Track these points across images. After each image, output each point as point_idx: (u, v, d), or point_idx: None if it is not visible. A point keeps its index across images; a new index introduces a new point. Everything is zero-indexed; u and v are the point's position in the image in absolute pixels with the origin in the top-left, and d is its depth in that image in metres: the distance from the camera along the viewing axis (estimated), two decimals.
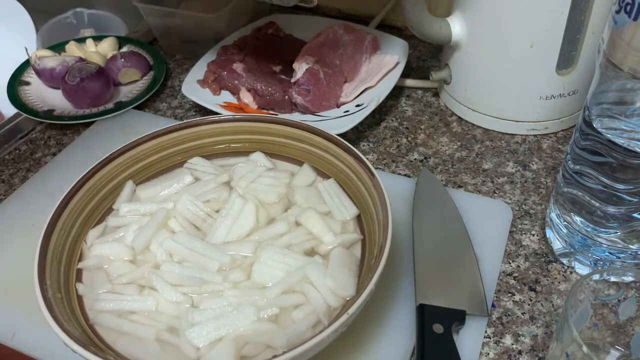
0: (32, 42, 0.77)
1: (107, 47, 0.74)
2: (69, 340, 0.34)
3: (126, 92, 0.70)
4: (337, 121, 0.60)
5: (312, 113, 0.62)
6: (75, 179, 0.46)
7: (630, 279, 0.37)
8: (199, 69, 0.68)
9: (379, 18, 0.78)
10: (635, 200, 0.41)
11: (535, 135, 0.63)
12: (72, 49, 0.73)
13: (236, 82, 0.66)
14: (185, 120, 0.52)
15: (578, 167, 0.43)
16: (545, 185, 0.57)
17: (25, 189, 0.57)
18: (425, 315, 0.42)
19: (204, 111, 0.66)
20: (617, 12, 0.36)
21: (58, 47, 0.74)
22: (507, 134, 0.63)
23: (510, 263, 0.49)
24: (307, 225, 0.45)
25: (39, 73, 0.69)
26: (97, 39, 0.76)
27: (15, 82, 0.70)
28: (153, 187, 0.49)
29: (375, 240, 0.42)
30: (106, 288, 0.42)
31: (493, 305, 0.46)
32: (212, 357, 0.37)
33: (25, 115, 0.65)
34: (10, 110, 0.67)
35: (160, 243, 0.44)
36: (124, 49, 0.75)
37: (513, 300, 0.46)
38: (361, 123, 0.60)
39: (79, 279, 0.43)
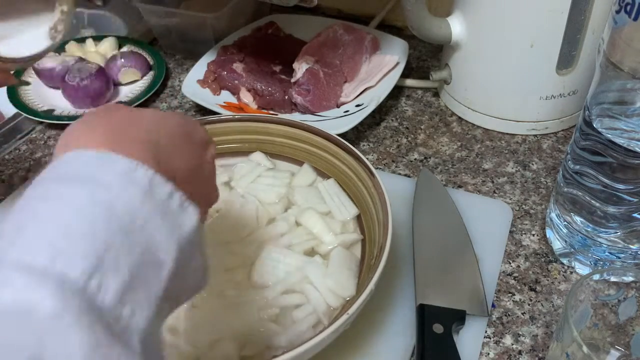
0: None
1: (107, 47, 0.74)
2: None
3: (126, 92, 0.70)
4: (337, 121, 0.60)
5: (312, 113, 0.62)
6: None
7: (630, 279, 0.37)
8: (199, 69, 0.68)
9: (379, 18, 0.78)
10: (635, 200, 0.41)
11: (535, 135, 0.63)
12: (72, 49, 0.73)
13: (236, 82, 0.66)
14: None
15: (578, 167, 0.43)
16: (545, 185, 0.57)
17: (25, 189, 0.57)
18: (425, 315, 0.42)
19: (204, 111, 0.66)
20: (617, 12, 0.36)
21: (58, 47, 0.74)
22: (507, 134, 0.63)
23: (510, 263, 0.49)
24: (307, 225, 0.45)
25: (39, 73, 0.69)
26: (97, 39, 0.76)
27: None
28: None
29: (375, 240, 0.42)
30: None
31: (493, 305, 0.46)
32: (212, 357, 0.37)
33: (25, 115, 0.65)
34: (10, 110, 0.67)
35: None
36: (124, 49, 0.75)
37: (513, 300, 0.46)
38: (361, 123, 0.60)
39: None
